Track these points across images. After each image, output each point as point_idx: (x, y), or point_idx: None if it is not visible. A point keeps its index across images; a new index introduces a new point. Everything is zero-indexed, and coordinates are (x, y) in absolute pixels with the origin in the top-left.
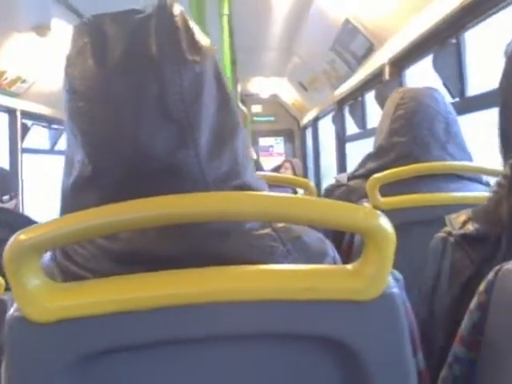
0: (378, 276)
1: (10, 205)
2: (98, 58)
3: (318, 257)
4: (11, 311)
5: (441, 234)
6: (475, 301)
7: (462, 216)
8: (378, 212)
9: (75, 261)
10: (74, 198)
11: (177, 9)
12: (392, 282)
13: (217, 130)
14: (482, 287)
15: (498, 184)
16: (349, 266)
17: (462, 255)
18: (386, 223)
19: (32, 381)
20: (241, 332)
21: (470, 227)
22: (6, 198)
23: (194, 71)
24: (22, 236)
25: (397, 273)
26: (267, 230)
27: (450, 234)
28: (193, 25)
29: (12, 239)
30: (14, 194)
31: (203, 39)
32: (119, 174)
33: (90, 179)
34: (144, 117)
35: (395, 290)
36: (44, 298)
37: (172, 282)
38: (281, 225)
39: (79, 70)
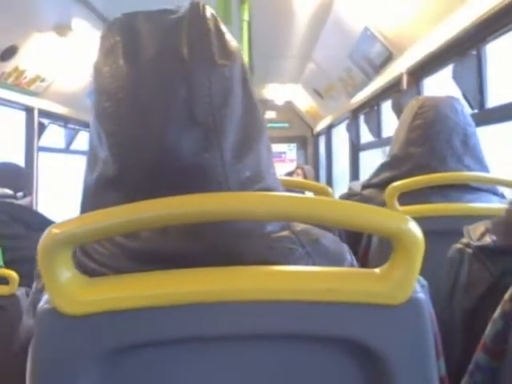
0: (406, 281)
1: (23, 202)
2: (130, 57)
3: (336, 260)
4: (41, 303)
5: (458, 245)
6: (499, 310)
7: (481, 227)
8: (408, 217)
9: (94, 258)
10: (96, 195)
11: (209, 11)
12: (418, 288)
13: (242, 134)
14: (506, 296)
15: None
16: (376, 270)
17: (480, 267)
18: (415, 228)
19: (60, 372)
20: (264, 332)
21: (489, 239)
22: (19, 194)
23: (223, 75)
24: (55, 229)
25: (421, 279)
26: (286, 233)
27: (467, 245)
28: (224, 28)
29: (46, 232)
30: (29, 192)
31: (233, 42)
32: (143, 174)
33: (113, 178)
34: (171, 118)
35: (421, 295)
36: (76, 291)
37: (199, 280)
38: (299, 228)
39: (109, 70)
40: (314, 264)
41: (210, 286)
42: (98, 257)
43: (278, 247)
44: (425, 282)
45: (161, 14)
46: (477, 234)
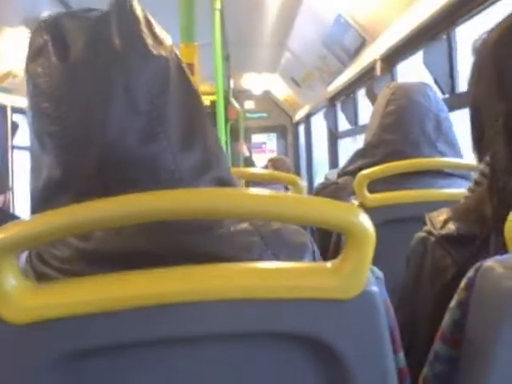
0: (357, 274)
1: None
2: (61, 54)
3: (297, 250)
4: None
5: (421, 234)
6: (456, 299)
7: (443, 214)
8: (358, 209)
9: (50, 264)
10: (45, 201)
11: (136, 5)
12: (372, 280)
13: (186, 122)
14: (462, 284)
15: (476, 182)
16: (328, 264)
17: (444, 254)
18: (365, 220)
19: (9, 382)
20: (220, 331)
21: (452, 227)
22: None
23: (159, 64)
24: None
25: (377, 270)
26: (245, 225)
27: (430, 233)
28: (153, 21)
29: None
30: (1, 191)
31: (164, 34)
32: (91, 172)
33: (60, 181)
34: (112, 110)
35: (374, 288)
36: (21, 299)
37: (153, 281)
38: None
39: (42, 70)
40: (273, 255)
41: (161, 287)
42: (54, 262)
43: (238, 240)
44: (380, 274)
45: (85, 11)
46: (439, 221)
